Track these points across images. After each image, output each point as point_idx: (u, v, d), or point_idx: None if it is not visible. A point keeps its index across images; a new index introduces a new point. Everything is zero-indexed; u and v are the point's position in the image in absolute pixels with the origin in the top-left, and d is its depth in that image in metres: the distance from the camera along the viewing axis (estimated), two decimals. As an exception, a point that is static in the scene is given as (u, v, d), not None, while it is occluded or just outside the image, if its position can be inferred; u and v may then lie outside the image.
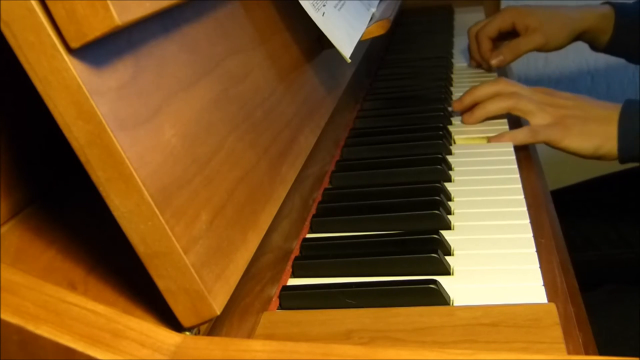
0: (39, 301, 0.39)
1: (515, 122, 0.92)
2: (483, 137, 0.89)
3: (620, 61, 1.23)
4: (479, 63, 1.18)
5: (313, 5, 0.68)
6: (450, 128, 0.91)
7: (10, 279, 0.40)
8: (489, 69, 1.16)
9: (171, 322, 0.41)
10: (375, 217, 0.67)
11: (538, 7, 1.15)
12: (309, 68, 0.73)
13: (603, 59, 1.25)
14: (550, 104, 0.87)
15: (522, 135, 0.86)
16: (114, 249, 0.44)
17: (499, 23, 1.13)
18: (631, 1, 1.15)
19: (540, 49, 1.13)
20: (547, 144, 0.86)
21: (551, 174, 1.01)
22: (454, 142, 0.88)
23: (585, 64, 1.87)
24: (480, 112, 0.90)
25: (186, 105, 0.46)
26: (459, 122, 0.93)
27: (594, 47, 1.17)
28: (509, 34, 1.16)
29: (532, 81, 1.88)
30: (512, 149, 0.83)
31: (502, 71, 1.17)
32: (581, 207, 1.14)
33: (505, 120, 0.91)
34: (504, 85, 0.90)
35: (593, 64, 1.87)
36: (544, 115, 0.86)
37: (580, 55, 1.31)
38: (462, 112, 0.93)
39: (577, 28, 1.12)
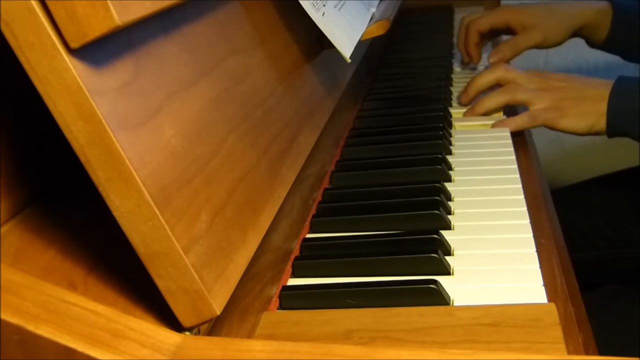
0: (39, 301, 0.39)
1: (512, 108, 0.97)
2: (485, 124, 0.93)
3: (620, 60, 1.23)
4: (461, 52, 1.19)
5: (313, 5, 0.68)
6: (451, 114, 0.96)
7: (10, 279, 0.40)
8: (468, 63, 1.18)
9: (171, 322, 0.41)
10: (375, 217, 0.67)
11: (533, 5, 1.15)
12: (309, 68, 0.73)
13: (603, 59, 1.25)
14: (545, 88, 0.91)
15: (522, 121, 0.90)
16: (114, 249, 0.44)
17: (492, 19, 1.14)
18: None
19: (539, 46, 1.13)
20: (546, 126, 0.91)
21: (551, 174, 1.02)
22: (454, 128, 0.92)
23: (585, 64, 1.87)
24: (480, 110, 0.94)
25: (186, 105, 0.46)
26: (459, 110, 0.97)
27: (591, 43, 1.17)
28: (502, 33, 1.16)
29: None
30: (512, 149, 0.83)
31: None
32: (581, 207, 1.14)
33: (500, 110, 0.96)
34: (502, 73, 0.95)
35: (593, 63, 1.86)
36: (539, 100, 0.90)
37: (580, 55, 1.31)
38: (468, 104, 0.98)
39: (574, 24, 1.12)
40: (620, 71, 1.82)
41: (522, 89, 0.91)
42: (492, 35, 1.18)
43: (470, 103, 0.97)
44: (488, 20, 1.14)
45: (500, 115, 0.95)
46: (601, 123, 0.88)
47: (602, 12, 1.11)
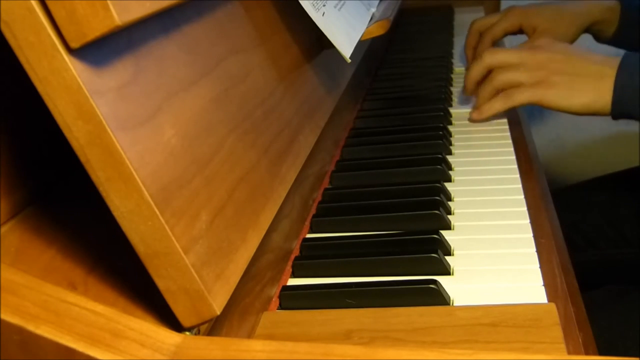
0: (39, 301, 0.39)
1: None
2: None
3: (622, 52, 1.22)
4: (468, 58, 1.17)
5: (313, 5, 0.68)
6: (452, 110, 0.97)
7: (10, 279, 0.40)
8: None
9: (171, 322, 0.41)
10: (375, 217, 0.67)
11: (544, 6, 1.14)
12: (309, 68, 0.73)
13: (605, 51, 1.24)
14: (538, 61, 0.86)
15: (498, 104, 0.87)
16: (114, 249, 0.44)
17: (506, 25, 1.12)
18: None
19: None
20: (531, 104, 0.86)
21: (551, 174, 1.02)
22: (452, 116, 0.94)
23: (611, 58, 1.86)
24: (479, 118, 0.92)
25: (186, 105, 0.46)
26: (460, 104, 1.00)
27: (599, 38, 1.17)
28: (513, 34, 1.15)
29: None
30: (512, 149, 0.83)
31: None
32: (581, 207, 1.14)
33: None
34: (490, 58, 0.90)
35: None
36: (527, 75, 0.85)
37: (600, 47, 1.30)
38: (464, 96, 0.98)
39: (584, 22, 1.11)
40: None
41: (520, 92, 0.86)
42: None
43: (474, 94, 0.95)
44: (502, 27, 1.12)
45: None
46: (601, 102, 0.82)
47: (611, 9, 1.11)
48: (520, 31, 1.13)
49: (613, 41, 1.14)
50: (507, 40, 1.21)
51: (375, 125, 0.94)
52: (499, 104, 0.89)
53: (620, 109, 0.82)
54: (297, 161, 0.61)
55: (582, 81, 0.83)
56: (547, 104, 0.84)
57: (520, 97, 0.86)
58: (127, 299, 0.43)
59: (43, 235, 0.46)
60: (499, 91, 0.90)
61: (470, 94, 0.96)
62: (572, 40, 1.12)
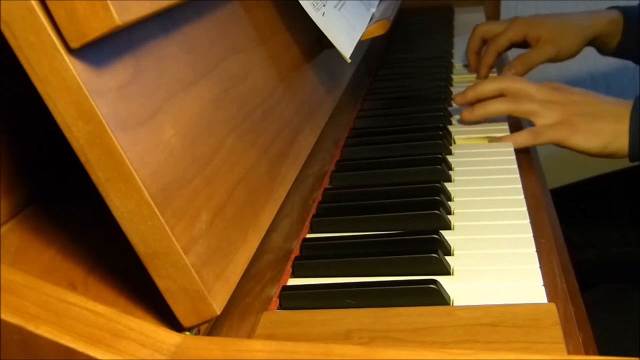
0: (39, 301, 0.39)
1: (515, 121, 0.92)
2: (483, 137, 0.88)
3: (620, 61, 1.23)
4: (473, 67, 1.17)
5: (313, 5, 0.68)
6: (451, 128, 0.91)
7: (10, 279, 0.40)
8: (481, 76, 1.15)
9: (171, 322, 0.41)
10: (375, 217, 0.67)
11: (548, 16, 1.14)
12: (309, 68, 0.73)
13: (603, 59, 1.25)
14: (556, 101, 0.85)
15: (523, 139, 0.84)
16: (114, 249, 0.44)
17: (511, 36, 1.11)
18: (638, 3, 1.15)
19: (552, 60, 1.11)
20: (553, 143, 0.84)
21: (551, 174, 1.01)
22: (454, 142, 0.88)
23: (585, 64, 1.87)
24: (479, 112, 0.88)
25: (186, 105, 0.46)
26: (460, 122, 0.93)
27: (602, 51, 1.17)
28: (518, 46, 1.15)
29: (532, 80, 1.88)
30: (512, 149, 0.83)
31: (500, 67, 1.16)
32: (581, 207, 1.14)
33: (505, 120, 0.91)
34: (509, 83, 0.88)
35: (593, 64, 1.87)
36: (549, 114, 0.83)
37: (580, 55, 1.31)
38: (463, 107, 0.92)
39: (587, 36, 1.11)
40: (620, 72, 1.82)
41: (528, 100, 0.85)
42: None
43: (463, 105, 0.92)
44: (507, 37, 1.12)
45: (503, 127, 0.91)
46: (617, 143, 0.82)
47: (613, 22, 1.11)
48: (524, 42, 1.13)
49: (617, 53, 1.15)
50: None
51: (375, 125, 0.94)
52: (501, 106, 0.87)
53: (637, 150, 0.82)
54: (297, 161, 0.61)
55: (601, 122, 0.82)
56: (570, 144, 0.83)
57: (547, 136, 0.83)
58: (127, 299, 0.43)
59: (43, 235, 0.46)
60: (506, 116, 0.89)
61: (462, 104, 0.92)
62: (575, 52, 1.12)
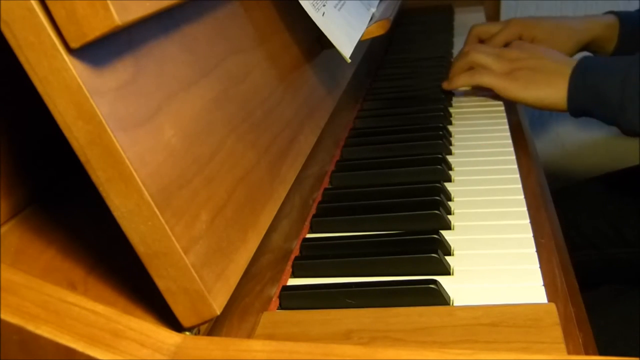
0: (39, 301, 0.39)
1: (511, 104, 0.98)
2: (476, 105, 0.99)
3: None
4: None
5: (313, 5, 0.68)
6: (452, 110, 0.98)
7: (10, 279, 0.40)
8: None
9: (171, 322, 0.41)
10: (375, 217, 0.67)
11: (544, 18, 1.15)
12: (309, 68, 0.73)
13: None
14: (507, 58, 0.95)
15: (465, 78, 0.98)
16: (114, 249, 0.44)
17: (506, 35, 1.13)
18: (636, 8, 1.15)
19: None
20: (495, 91, 0.94)
21: (551, 174, 1.02)
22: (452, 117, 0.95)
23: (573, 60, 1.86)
24: (451, 85, 1.01)
25: (186, 105, 0.46)
26: (459, 110, 1.00)
27: (598, 56, 1.17)
28: None
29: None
30: (512, 149, 0.83)
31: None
32: (581, 207, 1.14)
33: (501, 102, 0.98)
34: (472, 56, 0.99)
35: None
36: (496, 66, 0.95)
37: (579, 56, 1.31)
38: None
39: (583, 39, 1.12)
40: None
41: (487, 73, 0.95)
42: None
43: (450, 89, 1.03)
44: (503, 37, 1.13)
45: (500, 108, 0.97)
46: (555, 97, 0.89)
47: (610, 27, 1.11)
48: None
49: None
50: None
51: (375, 125, 0.94)
52: (466, 78, 0.98)
53: (576, 105, 0.88)
54: (297, 161, 0.61)
55: (539, 76, 0.90)
56: (506, 94, 0.93)
57: (485, 79, 0.95)
58: (127, 299, 0.43)
59: (43, 235, 0.46)
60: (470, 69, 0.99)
61: (448, 88, 1.02)
62: (569, 54, 1.13)
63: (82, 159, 0.37)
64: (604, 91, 0.84)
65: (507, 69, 0.94)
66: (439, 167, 0.77)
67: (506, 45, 1.14)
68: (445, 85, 1.02)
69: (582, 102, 0.87)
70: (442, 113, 0.95)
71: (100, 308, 0.40)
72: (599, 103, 0.85)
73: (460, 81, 0.99)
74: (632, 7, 1.17)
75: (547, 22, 1.13)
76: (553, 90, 0.89)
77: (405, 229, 0.66)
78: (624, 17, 1.11)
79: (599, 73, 0.86)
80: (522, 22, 1.14)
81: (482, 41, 1.16)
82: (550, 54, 0.94)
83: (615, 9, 1.16)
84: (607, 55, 1.15)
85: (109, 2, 0.35)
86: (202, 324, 0.42)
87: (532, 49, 0.96)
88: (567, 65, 0.89)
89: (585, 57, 0.90)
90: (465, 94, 1.05)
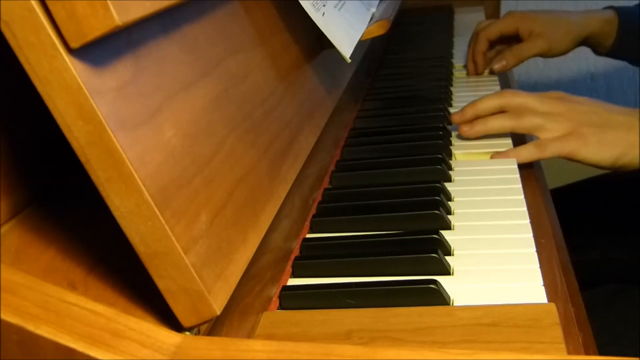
0: (39, 301, 0.39)
1: (519, 135, 0.87)
2: (485, 153, 0.83)
3: (620, 62, 1.23)
4: (468, 60, 1.17)
5: (313, 5, 0.68)
6: (451, 143, 0.87)
7: (10, 279, 0.40)
8: (473, 72, 1.15)
9: (171, 322, 0.41)
10: (375, 217, 0.67)
11: (542, 12, 1.15)
12: (309, 68, 0.73)
13: (603, 59, 1.25)
14: (561, 112, 0.80)
15: (527, 152, 0.79)
16: (114, 249, 0.44)
17: (502, 26, 1.13)
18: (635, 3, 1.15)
19: (544, 55, 1.13)
20: (561, 157, 0.79)
21: (551, 174, 1.01)
22: (455, 159, 0.83)
23: (585, 64, 1.87)
24: (480, 128, 0.84)
25: (186, 105, 0.46)
26: (460, 138, 0.87)
27: (597, 51, 1.17)
28: (510, 39, 1.15)
29: (532, 80, 1.88)
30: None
31: (503, 74, 1.16)
32: (581, 207, 1.14)
33: (508, 136, 0.86)
34: (509, 98, 0.83)
35: (593, 64, 1.87)
36: (554, 126, 0.79)
37: (580, 55, 1.31)
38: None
39: (581, 33, 1.12)
40: (620, 72, 1.82)
41: (531, 114, 0.80)
42: (501, 42, 1.17)
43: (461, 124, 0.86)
44: (497, 27, 1.13)
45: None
46: (630, 155, 0.77)
47: (608, 22, 1.11)
48: (516, 37, 1.14)
49: (611, 53, 1.15)
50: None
51: (375, 125, 0.94)
52: (529, 153, 0.80)
53: None
54: (297, 161, 0.61)
55: (611, 133, 0.78)
56: (579, 158, 0.78)
57: (553, 149, 0.79)
58: (127, 299, 0.43)
59: (43, 235, 0.46)
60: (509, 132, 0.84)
61: (460, 122, 0.86)
62: (567, 49, 1.13)
63: (82, 159, 0.37)
64: None
65: (569, 128, 0.78)
66: (439, 167, 0.77)
67: (502, 39, 1.14)
68: (466, 131, 0.84)
69: None
70: (442, 113, 0.95)
71: (100, 308, 0.40)
72: None
73: (522, 157, 0.80)
74: (630, 2, 1.17)
75: (545, 16, 1.13)
76: (630, 147, 0.77)
77: (405, 229, 0.65)
78: (622, 12, 1.11)
79: None
80: (519, 15, 1.14)
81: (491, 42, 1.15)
82: (606, 104, 0.81)
83: (615, 5, 1.16)
84: (605, 50, 1.14)
85: (109, 2, 0.35)
86: (202, 324, 0.42)
87: (583, 99, 0.82)
88: (634, 117, 0.78)
89: None
90: (466, 94, 1.05)
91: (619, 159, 0.78)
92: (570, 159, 0.79)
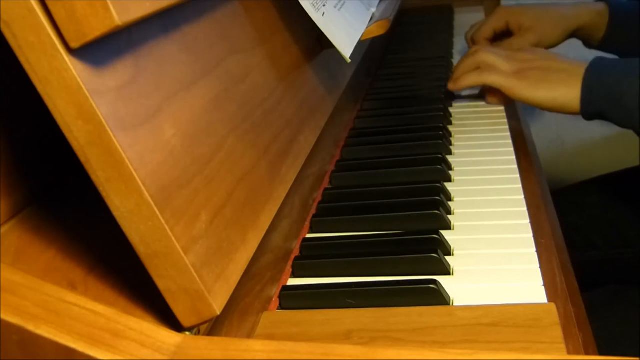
0: (39, 301, 0.39)
1: (518, 131, 0.92)
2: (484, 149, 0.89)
3: (612, 55, 1.22)
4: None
5: (313, 5, 0.68)
6: (452, 110, 0.98)
7: (10, 279, 0.40)
8: None
9: (171, 322, 0.41)
10: (375, 217, 0.67)
11: (531, 6, 1.15)
12: (309, 68, 0.73)
13: (594, 52, 1.25)
14: (517, 58, 0.92)
15: (472, 78, 0.94)
16: (114, 249, 0.44)
17: (493, 23, 1.14)
18: None
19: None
20: (503, 91, 0.90)
21: (551, 174, 1.01)
22: (453, 140, 0.89)
23: (576, 57, 1.86)
24: (459, 84, 0.97)
25: (186, 105, 0.46)
26: (459, 110, 0.99)
27: (588, 44, 1.17)
28: (504, 35, 1.16)
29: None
30: (512, 149, 0.83)
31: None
32: (581, 208, 1.14)
33: (502, 109, 0.97)
34: (480, 56, 0.95)
35: (584, 57, 1.86)
36: (505, 66, 0.91)
37: (580, 55, 1.31)
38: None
39: (571, 25, 1.12)
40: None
41: (495, 72, 0.91)
42: (496, 39, 1.17)
43: (455, 90, 1.00)
44: (490, 25, 1.14)
45: (500, 109, 0.96)
46: (568, 97, 0.85)
47: (599, 14, 1.11)
48: (508, 32, 1.14)
49: (602, 46, 1.15)
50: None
51: (375, 125, 0.94)
52: (473, 78, 0.94)
53: (590, 107, 0.84)
54: (297, 161, 0.61)
55: (551, 76, 0.87)
56: (514, 94, 0.89)
57: (492, 78, 0.91)
58: (127, 299, 0.43)
59: (43, 235, 0.46)
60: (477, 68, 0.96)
61: (453, 89, 0.99)
62: (557, 42, 1.13)
63: (82, 159, 0.37)
64: (620, 92, 0.81)
65: (517, 69, 0.90)
66: (439, 167, 0.77)
67: (496, 36, 1.15)
68: (451, 86, 0.98)
69: (596, 103, 0.83)
70: (442, 113, 0.95)
71: (100, 308, 0.40)
72: (615, 104, 0.82)
73: (467, 81, 0.95)
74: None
75: (534, 9, 1.14)
76: (566, 90, 0.85)
77: (405, 229, 0.66)
78: (613, 5, 1.11)
79: (615, 73, 0.83)
80: (508, 10, 1.15)
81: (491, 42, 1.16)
82: (562, 57, 0.90)
83: None
84: (596, 43, 1.15)
85: (109, 2, 0.35)
86: (202, 324, 0.42)
87: (543, 52, 0.93)
88: (579, 66, 0.86)
89: (598, 58, 0.87)
90: (466, 94, 1.05)
91: (557, 98, 0.86)
92: (509, 95, 0.90)
